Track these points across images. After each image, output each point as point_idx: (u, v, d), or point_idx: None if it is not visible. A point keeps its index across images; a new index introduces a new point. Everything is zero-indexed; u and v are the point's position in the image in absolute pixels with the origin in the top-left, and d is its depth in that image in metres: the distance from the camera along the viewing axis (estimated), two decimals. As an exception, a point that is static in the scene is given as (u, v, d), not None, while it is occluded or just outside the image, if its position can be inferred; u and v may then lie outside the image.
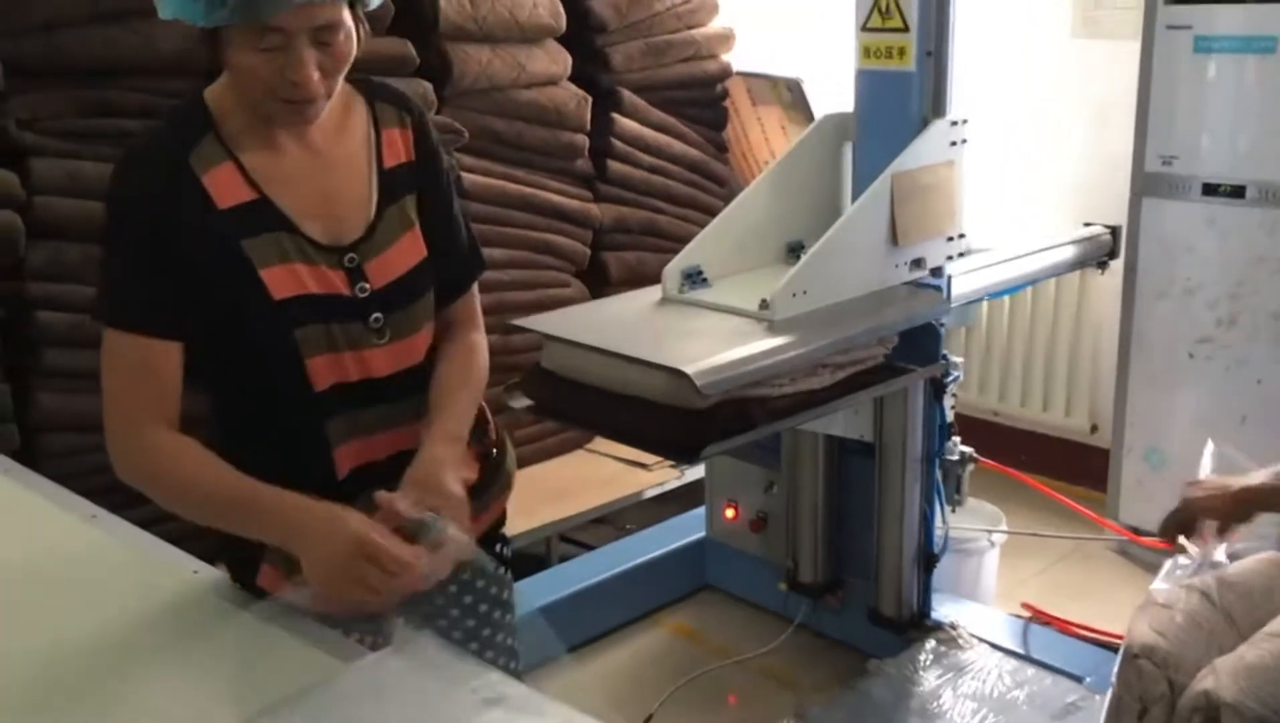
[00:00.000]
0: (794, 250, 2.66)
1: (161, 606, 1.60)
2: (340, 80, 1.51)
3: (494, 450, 1.76)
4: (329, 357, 1.54)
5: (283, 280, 1.51)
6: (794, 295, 2.29)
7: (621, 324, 2.33)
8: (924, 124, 2.50)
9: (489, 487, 1.71)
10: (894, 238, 2.44)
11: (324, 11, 1.42)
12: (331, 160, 1.56)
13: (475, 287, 1.76)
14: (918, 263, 2.51)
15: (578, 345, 2.21)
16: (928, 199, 2.48)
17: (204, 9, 1.38)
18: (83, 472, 2.73)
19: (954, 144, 2.53)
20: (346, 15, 1.46)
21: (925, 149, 2.48)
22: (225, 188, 1.49)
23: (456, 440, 1.58)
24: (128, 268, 1.51)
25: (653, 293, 2.50)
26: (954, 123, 2.52)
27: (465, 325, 1.73)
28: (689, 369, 1.99)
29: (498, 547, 1.80)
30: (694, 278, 2.48)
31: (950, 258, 2.58)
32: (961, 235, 2.60)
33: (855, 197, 2.55)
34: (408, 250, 1.60)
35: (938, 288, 2.54)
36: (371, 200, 1.58)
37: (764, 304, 2.28)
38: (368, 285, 1.55)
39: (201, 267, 1.49)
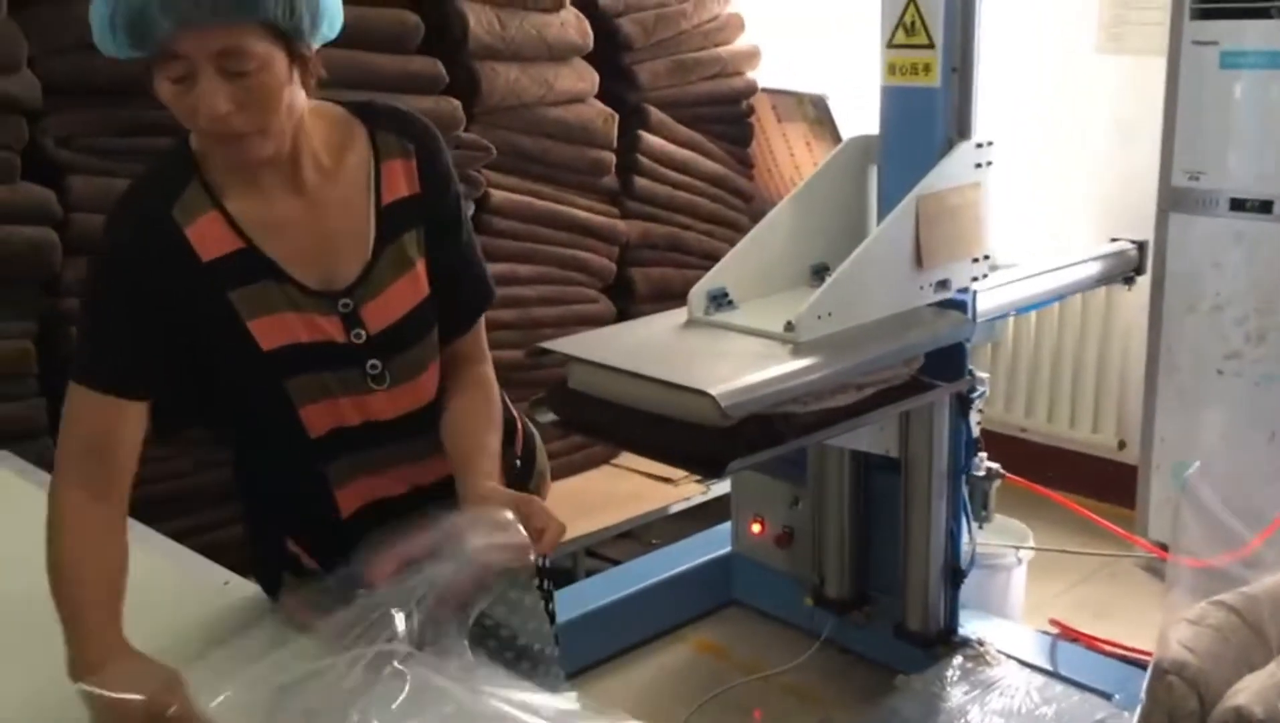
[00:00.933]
0: (819, 272, 2.67)
1: (193, 616, 1.63)
2: (275, 118, 1.38)
3: (517, 461, 1.76)
4: (324, 404, 1.51)
5: (271, 331, 1.46)
6: (819, 317, 2.30)
7: (647, 346, 2.35)
8: (949, 146, 2.51)
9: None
10: (919, 260, 2.44)
11: (219, 36, 1.31)
12: (324, 202, 1.49)
13: (482, 317, 1.68)
14: (943, 285, 2.52)
15: (604, 367, 2.22)
16: (953, 221, 2.49)
17: (109, 41, 1.35)
18: (116, 485, 2.77)
19: (979, 166, 2.54)
20: (258, 45, 1.33)
21: (951, 171, 2.48)
22: (209, 239, 1.44)
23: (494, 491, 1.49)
24: (102, 326, 1.46)
25: (678, 315, 2.51)
26: (979, 145, 2.52)
27: (474, 361, 1.65)
28: (714, 391, 2.00)
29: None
30: (719, 300, 2.49)
31: (975, 280, 2.58)
32: (987, 257, 2.59)
33: (880, 219, 2.56)
34: (406, 292, 1.53)
35: (963, 308, 2.54)
36: (369, 240, 1.51)
37: (789, 326, 2.29)
38: (364, 331, 1.50)
39: (188, 322, 1.45)
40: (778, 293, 2.61)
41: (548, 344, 2.34)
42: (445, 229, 1.57)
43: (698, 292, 2.49)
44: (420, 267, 1.54)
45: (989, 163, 2.55)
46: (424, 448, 1.58)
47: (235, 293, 1.45)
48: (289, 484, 1.59)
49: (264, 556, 1.66)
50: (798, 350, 2.25)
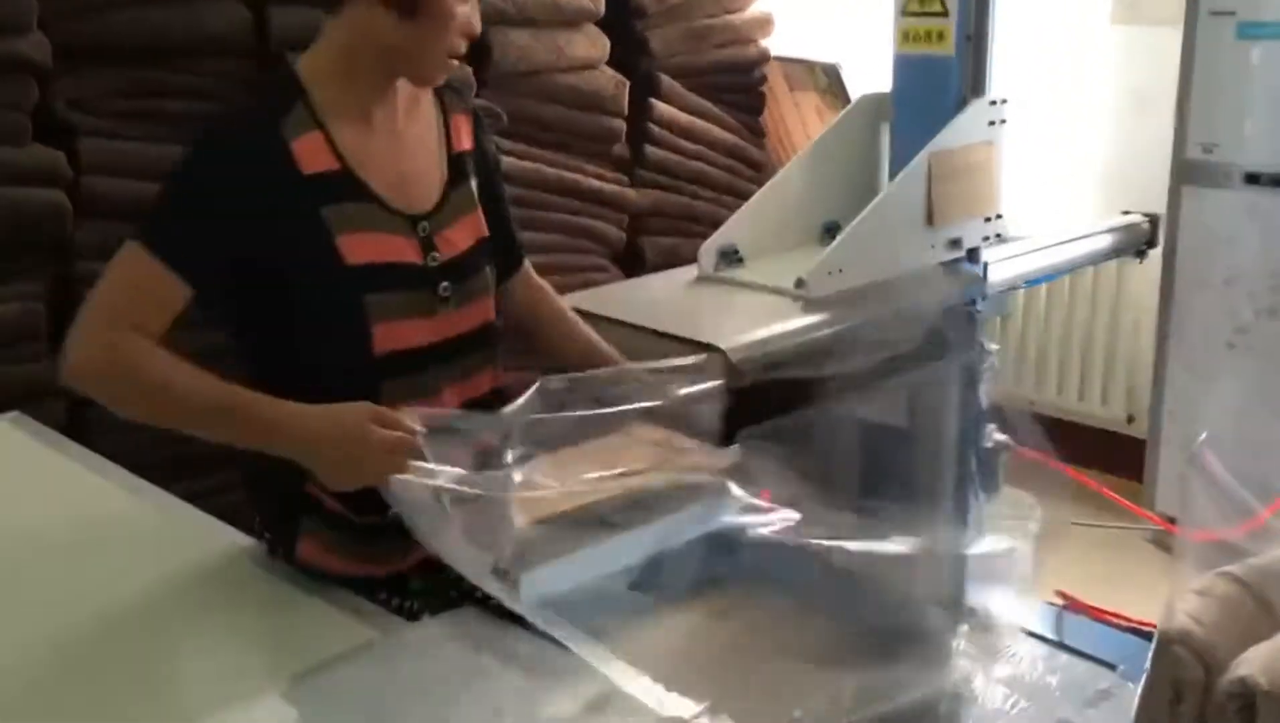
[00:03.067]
0: (830, 230, 2.66)
1: (202, 576, 1.65)
2: None
3: None
4: (395, 323, 1.60)
5: (357, 247, 1.56)
6: (830, 273, 2.29)
7: (656, 302, 2.35)
8: (963, 103, 2.49)
9: None
10: (930, 218, 2.43)
11: None
12: (408, 140, 1.65)
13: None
14: (954, 243, 2.51)
15: (611, 322, 2.22)
16: (966, 179, 2.48)
17: None
18: (127, 446, 2.78)
19: (993, 124, 2.52)
20: None
21: (964, 129, 2.47)
22: (311, 155, 1.55)
23: None
24: (182, 202, 1.55)
25: (688, 272, 2.51)
26: (993, 102, 2.50)
27: (538, 285, 1.94)
28: (724, 345, 2.00)
29: None
30: (730, 256, 2.49)
31: (987, 239, 2.57)
32: (999, 216, 2.58)
33: (892, 177, 2.55)
34: (471, 228, 1.70)
35: (974, 267, 2.54)
36: (441, 182, 1.67)
37: (800, 282, 2.28)
38: (437, 255, 1.63)
39: (271, 230, 1.52)
40: (788, 250, 2.60)
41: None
42: (493, 190, 1.78)
43: (708, 248, 2.48)
44: (479, 212, 1.72)
45: (1002, 121, 2.53)
46: (474, 366, 1.71)
47: (328, 209, 1.55)
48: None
49: (277, 502, 1.64)
50: (808, 306, 2.24)
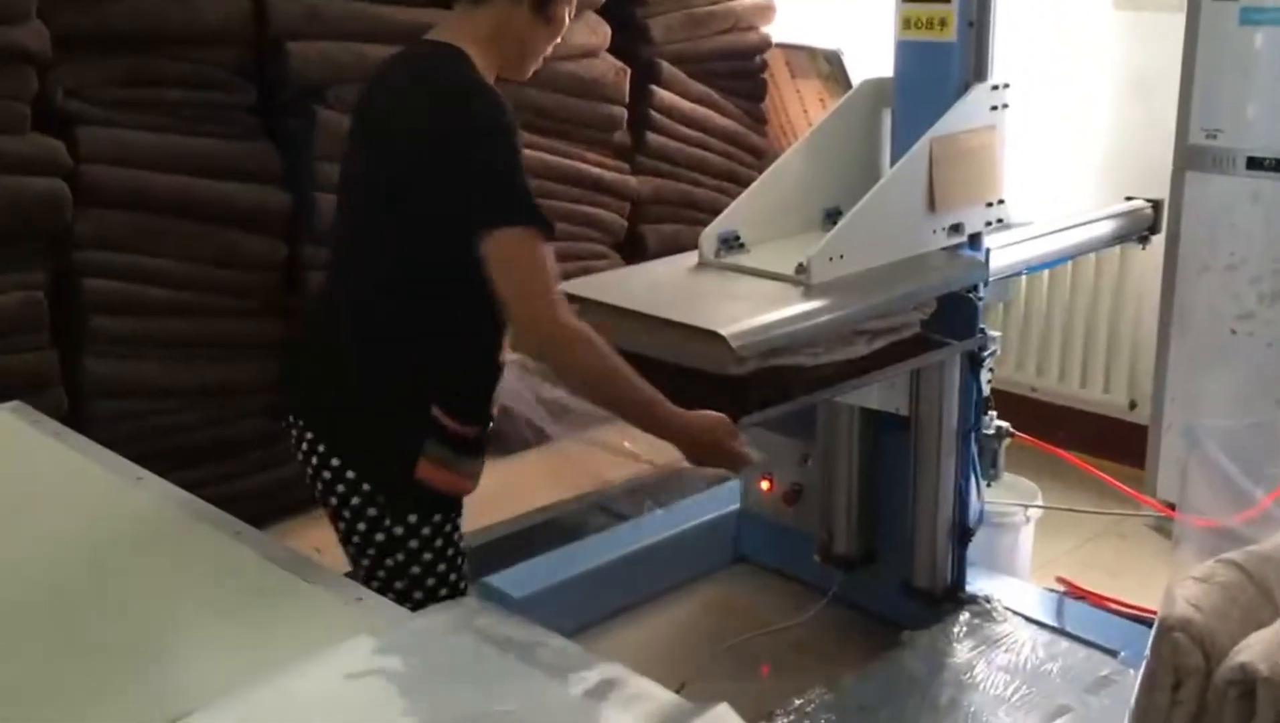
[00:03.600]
0: (831, 216, 2.66)
1: (202, 565, 1.64)
2: None
3: None
4: None
5: None
6: (831, 259, 2.29)
7: (657, 288, 2.35)
8: (965, 88, 2.48)
9: None
10: (932, 204, 2.43)
11: None
12: None
13: None
14: (956, 229, 2.51)
15: (612, 309, 2.22)
16: (967, 164, 2.47)
17: None
18: (129, 436, 2.79)
19: (995, 108, 2.52)
20: None
21: (966, 113, 2.46)
22: None
23: None
24: (522, 173, 1.77)
25: (689, 258, 2.51)
26: (995, 87, 2.50)
27: None
28: (725, 331, 2.00)
29: None
30: (731, 243, 2.49)
31: (989, 224, 2.57)
32: (1001, 201, 2.58)
33: (894, 162, 2.54)
34: None
35: (976, 253, 2.53)
36: None
37: (801, 268, 2.28)
38: None
39: None
40: (790, 236, 2.60)
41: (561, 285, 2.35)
42: None
43: (709, 234, 2.48)
44: None
45: (1005, 105, 2.53)
46: None
47: None
48: (482, 344, 1.87)
49: (407, 423, 1.82)
50: (809, 292, 2.24)
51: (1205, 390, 3.37)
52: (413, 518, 1.85)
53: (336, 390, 1.90)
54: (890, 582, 2.92)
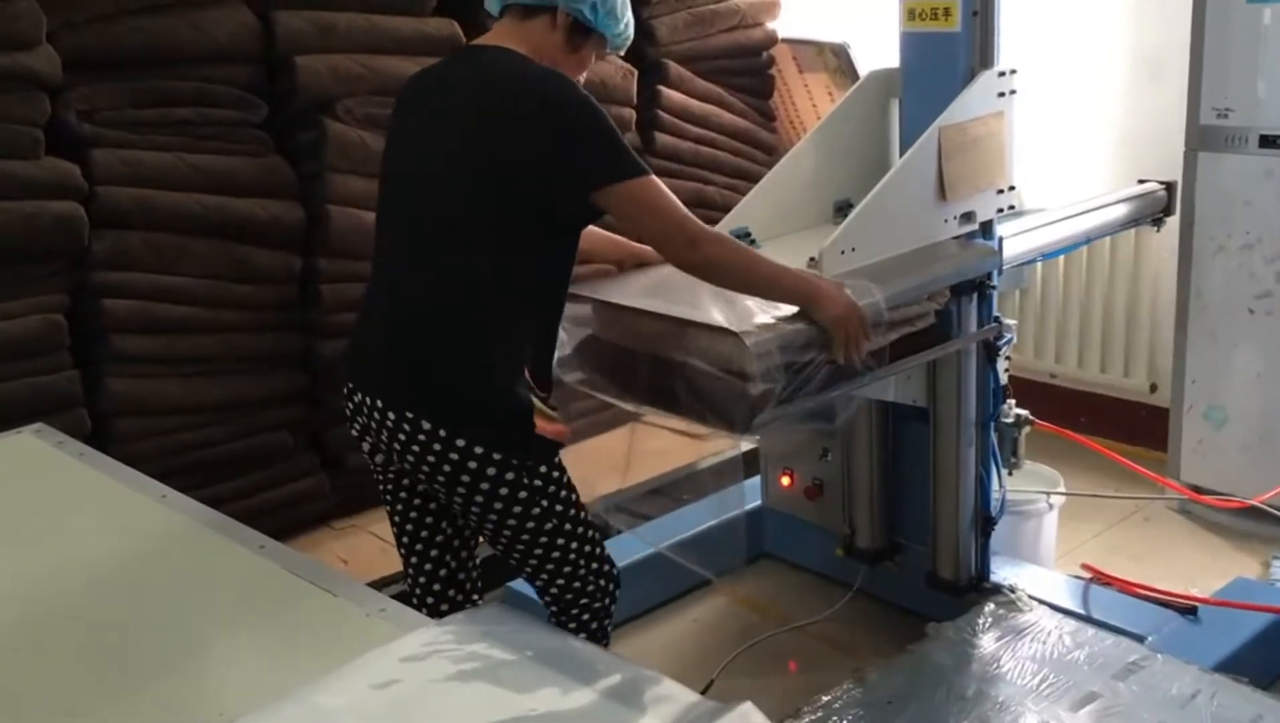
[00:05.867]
0: (841, 210, 2.66)
1: (232, 579, 1.66)
2: None
3: None
4: None
5: None
6: (843, 252, 2.29)
7: (670, 288, 2.34)
8: (971, 76, 2.47)
9: None
10: (942, 193, 2.42)
11: None
12: None
13: None
14: (967, 217, 2.50)
15: (627, 309, 2.23)
16: (976, 152, 2.46)
17: (616, 31, 2.11)
18: (152, 454, 2.81)
19: (1003, 95, 2.50)
20: None
21: (973, 101, 2.45)
22: None
23: None
24: (618, 134, 1.96)
25: None
26: (1002, 73, 2.49)
27: None
28: (739, 328, 1.99)
29: None
30: (742, 239, 2.49)
31: (1000, 211, 2.56)
32: (1011, 188, 2.57)
33: (903, 153, 2.54)
34: None
35: (988, 241, 2.53)
36: None
37: (813, 261, 2.28)
38: None
39: None
40: (801, 231, 2.60)
41: (571, 289, 2.35)
42: None
43: (720, 231, 2.48)
44: None
45: (1012, 92, 2.51)
46: None
47: None
48: (554, 309, 2.09)
49: (515, 390, 2.00)
50: None
51: (1225, 371, 3.35)
52: (544, 468, 2.03)
53: (447, 375, 2.00)
54: (914, 574, 2.92)
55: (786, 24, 4.16)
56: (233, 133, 2.96)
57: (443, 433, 1.96)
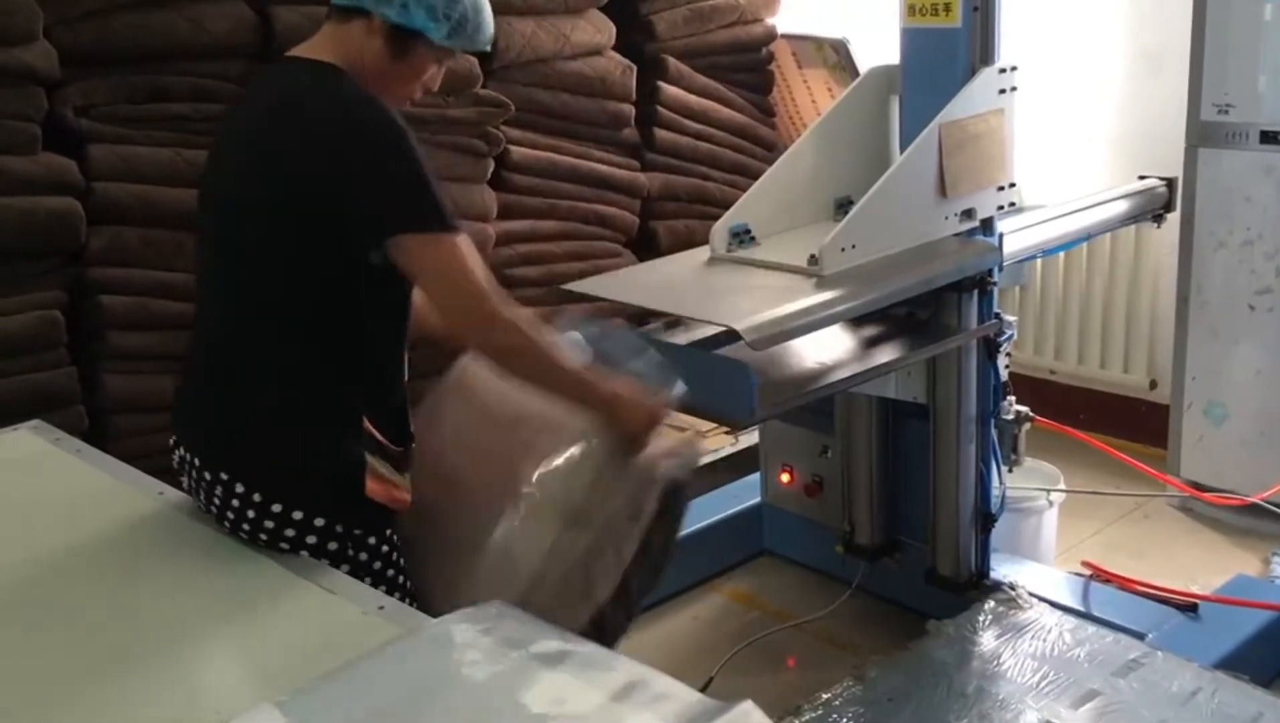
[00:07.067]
0: (842, 206, 2.65)
1: (229, 577, 1.65)
2: None
3: None
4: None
5: None
6: (843, 249, 2.29)
7: (670, 284, 2.34)
8: (972, 73, 2.47)
9: None
10: (943, 190, 2.42)
11: None
12: None
13: None
14: (968, 214, 2.49)
15: (625, 306, 2.22)
16: (977, 149, 2.46)
17: (445, 32, 1.75)
18: (149, 451, 2.80)
19: (1003, 91, 2.50)
20: None
21: (973, 98, 2.45)
22: None
23: None
24: (432, 180, 1.70)
25: (701, 253, 2.50)
26: (1003, 70, 2.48)
27: None
28: (738, 325, 1.99)
29: None
30: (742, 236, 2.48)
31: (1001, 208, 2.55)
32: (1012, 185, 2.56)
33: (903, 150, 2.53)
34: None
35: (989, 238, 2.52)
36: None
37: (813, 259, 2.27)
38: None
39: None
40: (801, 228, 2.59)
41: (572, 285, 2.34)
42: None
43: (719, 228, 2.47)
44: None
45: (1013, 88, 2.51)
46: None
47: None
48: (396, 364, 1.84)
49: (344, 445, 1.75)
50: (822, 283, 2.24)
51: (1225, 368, 3.35)
52: (372, 539, 1.78)
53: (257, 429, 1.76)
54: (914, 571, 2.92)
55: (786, 19, 4.15)
56: (230, 128, 2.95)
57: (257, 498, 1.71)
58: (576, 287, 2.33)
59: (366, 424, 1.76)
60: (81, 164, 2.74)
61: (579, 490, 1.85)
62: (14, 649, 1.47)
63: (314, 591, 1.58)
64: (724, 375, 2.12)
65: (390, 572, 1.80)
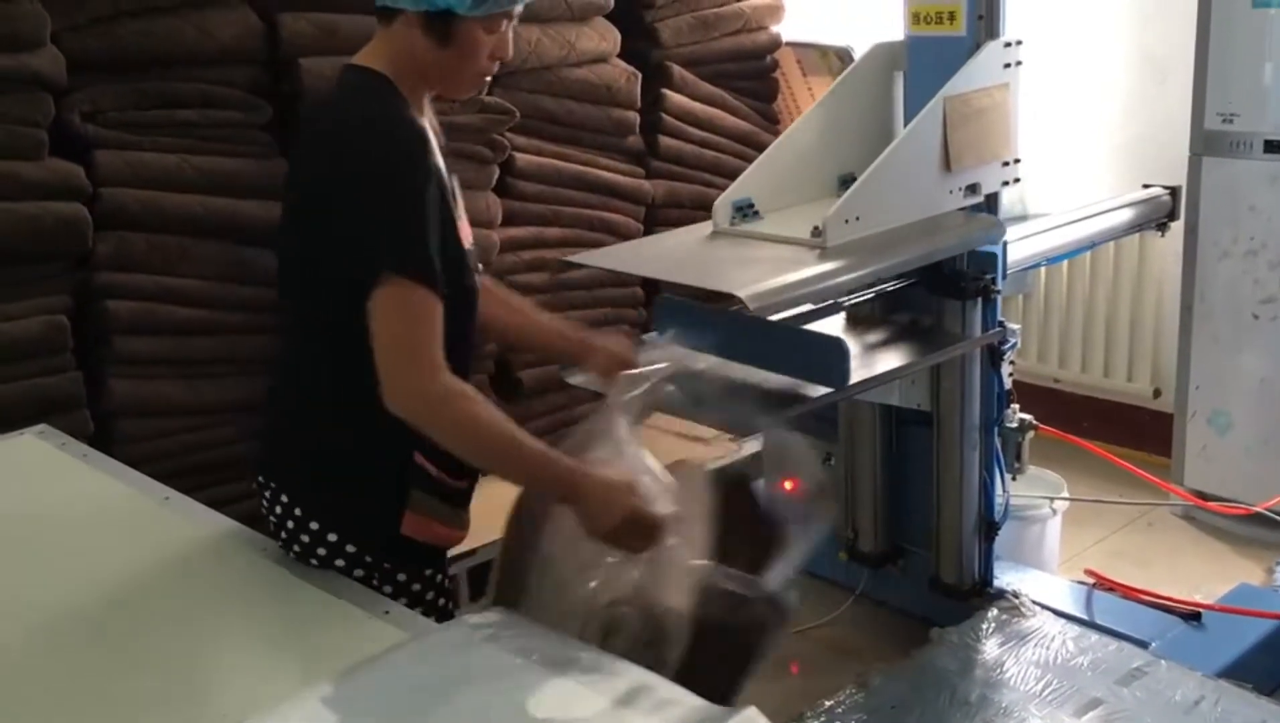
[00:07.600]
0: (846, 182, 2.64)
1: (235, 581, 1.66)
2: None
3: None
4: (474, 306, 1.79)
5: (462, 232, 1.74)
6: (846, 221, 2.28)
7: (673, 256, 2.34)
8: (976, 47, 2.46)
9: None
10: (947, 163, 2.41)
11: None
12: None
13: None
14: (972, 189, 2.49)
15: (629, 277, 2.21)
16: (981, 123, 2.45)
17: (470, 2, 1.62)
18: (155, 456, 2.81)
19: (1008, 66, 2.49)
20: None
21: (978, 72, 2.44)
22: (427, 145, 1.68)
23: None
24: (418, 218, 1.59)
25: (704, 228, 2.50)
26: (1008, 44, 2.47)
27: None
28: (741, 292, 1.98)
29: None
30: (745, 210, 2.48)
31: (1005, 183, 2.55)
32: (1017, 160, 2.56)
33: (907, 125, 2.52)
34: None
35: (992, 215, 2.52)
36: None
37: (816, 231, 2.27)
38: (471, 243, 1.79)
39: (439, 216, 1.64)
40: (804, 203, 2.58)
41: (576, 257, 2.35)
42: None
43: (723, 202, 2.47)
44: None
45: (1018, 63, 2.50)
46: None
47: (446, 195, 1.69)
48: None
49: (385, 476, 1.72)
50: (825, 255, 2.23)
51: (1229, 376, 3.35)
52: (402, 577, 1.74)
53: (307, 449, 1.78)
54: (917, 579, 2.92)
55: (790, 27, 4.15)
56: (236, 135, 2.95)
57: (297, 512, 1.73)
58: (579, 258, 2.32)
59: (419, 458, 1.70)
60: (88, 170, 2.74)
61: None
62: (20, 652, 1.48)
63: (320, 595, 1.58)
64: (818, 349, 2.17)
65: (417, 609, 1.72)
